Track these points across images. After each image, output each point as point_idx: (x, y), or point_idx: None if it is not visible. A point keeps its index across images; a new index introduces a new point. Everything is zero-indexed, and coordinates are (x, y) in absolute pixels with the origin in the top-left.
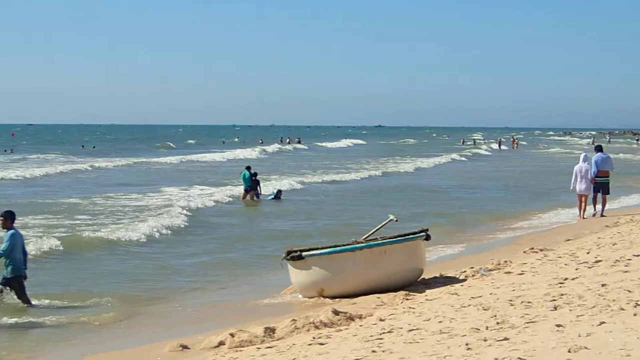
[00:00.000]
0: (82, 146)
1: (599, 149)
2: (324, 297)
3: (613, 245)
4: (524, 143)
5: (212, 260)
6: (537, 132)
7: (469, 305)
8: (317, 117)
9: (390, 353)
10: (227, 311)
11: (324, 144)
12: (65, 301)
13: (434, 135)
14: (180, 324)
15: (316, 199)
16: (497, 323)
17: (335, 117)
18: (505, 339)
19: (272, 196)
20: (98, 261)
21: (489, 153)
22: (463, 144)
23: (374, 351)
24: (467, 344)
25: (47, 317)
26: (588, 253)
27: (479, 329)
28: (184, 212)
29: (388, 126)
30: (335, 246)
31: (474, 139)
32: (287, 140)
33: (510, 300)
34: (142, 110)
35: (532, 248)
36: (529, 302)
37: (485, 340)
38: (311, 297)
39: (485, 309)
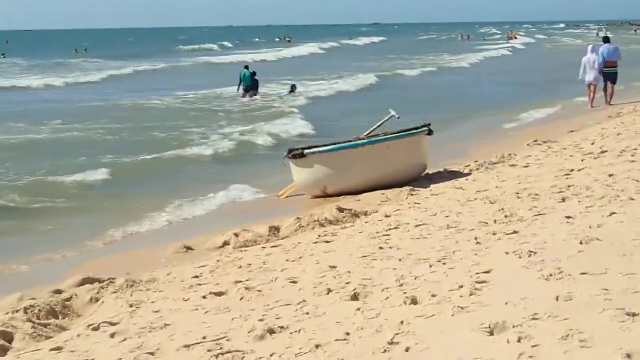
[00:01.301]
0: (76, 50)
1: (606, 40)
2: (328, 195)
3: (618, 135)
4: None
5: (211, 160)
6: (527, 25)
7: (475, 199)
8: (301, 16)
9: (397, 249)
10: (229, 212)
11: (350, 41)
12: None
13: (445, 33)
14: (182, 227)
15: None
16: (506, 216)
17: (323, 16)
18: (515, 232)
19: (288, 92)
20: None
21: (524, 47)
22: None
23: (381, 248)
24: (476, 239)
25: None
26: (593, 144)
27: (487, 223)
28: None
29: (385, 23)
30: (337, 143)
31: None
32: (288, 39)
33: (517, 193)
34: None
35: (536, 140)
36: (536, 195)
37: (494, 234)
38: (314, 196)
39: (492, 203)
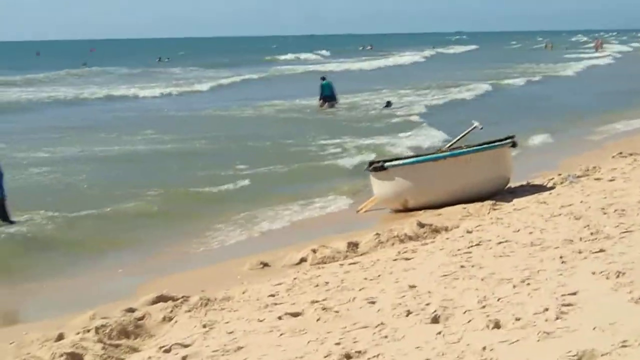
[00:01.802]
0: (159, 59)
1: None
2: (408, 208)
3: None
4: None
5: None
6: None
7: (559, 214)
8: (380, 25)
9: (480, 268)
10: (307, 226)
11: (444, 50)
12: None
13: (528, 41)
14: (259, 240)
15: None
16: (591, 234)
17: (402, 24)
18: (601, 250)
19: (383, 106)
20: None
21: (621, 55)
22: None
23: (462, 266)
24: (561, 257)
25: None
26: None
27: (572, 240)
28: None
29: (468, 31)
30: (418, 156)
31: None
32: (369, 47)
33: (603, 209)
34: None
35: (621, 153)
36: (623, 210)
37: (580, 253)
38: (395, 209)
39: (577, 219)
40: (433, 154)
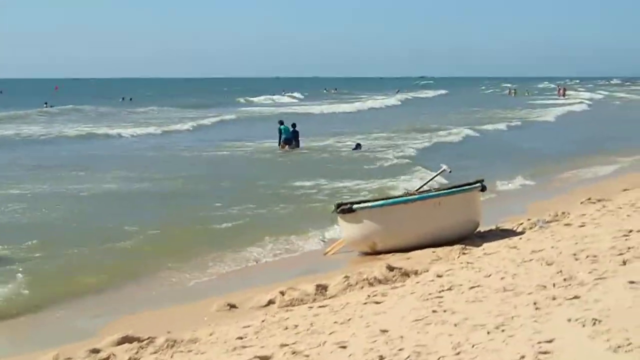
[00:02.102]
0: (122, 98)
1: None
2: (377, 251)
3: None
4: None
5: (261, 212)
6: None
7: (531, 260)
8: (345, 69)
9: (452, 313)
10: (276, 267)
11: (416, 94)
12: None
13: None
14: (226, 281)
15: None
16: (565, 279)
17: (365, 69)
18: (576, 297)
19: (352, 148)
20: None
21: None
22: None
23: (434, 311)
24: (534, 303)
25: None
26: None
27: (545, 286)
28: None
29: (430, 76)
30: (387, 198)
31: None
32: (333, 90)
33: (574, 254)
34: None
35: (589, 198)
36: (595, 256)
37: (554, 299)
38: (363, 252)
39: (548, 264)
40: (402, 196)
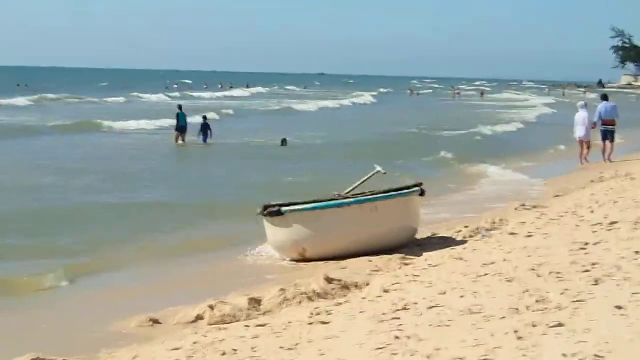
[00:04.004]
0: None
1: (604, 98)
2: (306, 259)
3: (615, 203)
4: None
5: (165, 211)
6: (477, 82)
7: (485, 274)
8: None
9: (419, 340)
10: (197, 277)
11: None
12: None
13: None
14: (145, 293)
15: None
16: (537, 301)
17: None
18: (560, 324)
19: (279, 145)
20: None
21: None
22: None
23: (397, 337)
24: (515, 332)
25: None
26: (592, 212)
27: (517, 309)
28: None
29: (330, 74)
30: (319, 201)
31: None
32: (229, 85)
33: (534, 270)
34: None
35: (523, 205)
36: (558, 273)
37: (534, 326)
38: (291, 259)
39: (508, 281)
40: (334, 199)
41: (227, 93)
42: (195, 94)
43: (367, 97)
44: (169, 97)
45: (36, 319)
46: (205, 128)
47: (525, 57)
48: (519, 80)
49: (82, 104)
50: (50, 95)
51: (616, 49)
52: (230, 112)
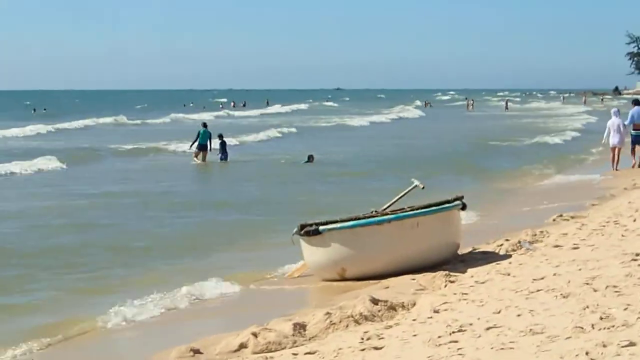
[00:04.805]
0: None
1: (636, 102)
2: (345, 278)
3: None
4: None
5: (194, 232)
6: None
7: (538, 290)
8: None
9: None
10: (230, 299)
11: (371, 118)
12: None
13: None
14: (181, 322)
15: None
16: (601, 318)
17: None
18: (631, 343)
19: (304, 161)
20: None
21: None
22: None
23: None
24: (587, 353)
25: None
26: (635, 221)
27: (582, 328)
28: None
29: (347, 89)
30: (357, 218)
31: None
32: (242, 103)
33: (588, 284)
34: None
35: (561, 215)
36: (615, 287)
37: (604, 347)
38: (328, 279)
39: (564, 296)
40: (373, 216)
41: (266, 110)
42: (236, 113)
43: (413, 111)
44: (214, 116)
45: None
46: (222, 146)
47: (541, 68)
48: (537, 89)
49: (132, 126)
50: (106, 119)
51: (631, 55)
52: (294, 129)
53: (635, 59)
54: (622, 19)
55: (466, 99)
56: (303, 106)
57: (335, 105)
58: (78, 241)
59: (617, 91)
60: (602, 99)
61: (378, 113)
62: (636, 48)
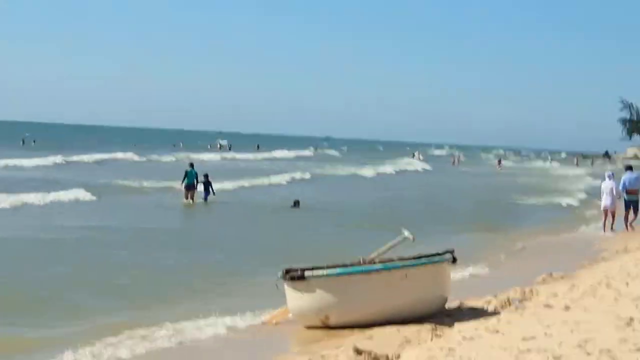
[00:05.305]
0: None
1: (628, 168)
2: (328, 326)
3: None
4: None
5: (167, 275)
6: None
7: (528, 350)
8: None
9: None
10: (210, 343)
11: (382, 169)
12: None
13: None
14: None
15: None
16: None
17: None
18: None
19: (291, 206)
20: None
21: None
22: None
23: None
24: None
25: None
26: (627, 285)
27: None
28: None
29: (335, 138)
30: (344, 266)
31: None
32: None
33: (580, 346)
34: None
35: (551, 274)
36: (609, 351)
37: None
38: (309, 326)
39: (556, 358)
40: (360, 264)
41: (267, 154)
42: (238, 155)
43: (417, 164)
44: (221, 157)
45: None
46: (207, 186)
47: (522, 126)
48: (525, 148)
49: (141, 162)
50: (119, 154)
51: (624, 121)
52: (308, 176)
53: (627, 125)
54: (613, 82)
55: (452, 154)
56: (307, 153)
57: (337, 154)
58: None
59: (607, 155)
60: (592, 162)
61: (382, 164)
62: (629, 114)
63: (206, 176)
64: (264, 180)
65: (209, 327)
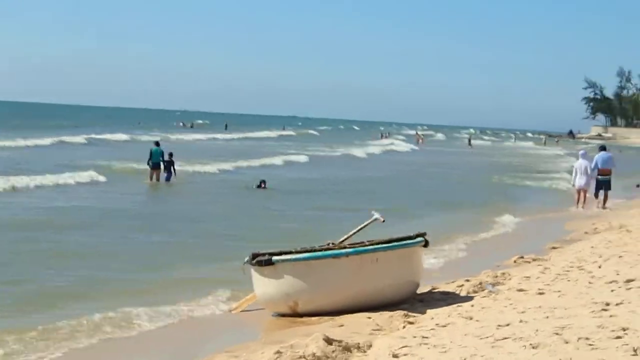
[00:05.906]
0: None
1: (602, 148)
2: (297, 313)
3: (619, 257)
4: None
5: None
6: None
7: (504, 338)
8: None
9: None
10: (167, 330)
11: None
12: None
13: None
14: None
15: None
16: None
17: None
18: None
19: (255, 186)
20: None
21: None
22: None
23: None
24: None
25: None
26: (600, 267)
27: None
28: None
29: (301, 117)
30: (313, 250)
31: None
32: (189, 125)
33: (558, 334)
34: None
35: (522, 257)
36: (587, 339)
37: None
38: (278, 313)
39: (533, 347)
40: (329, 249)
41: (244, 134)
42: (215, 135)
43: (403, 145)
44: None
45: None
46: (169, 166)
47: (491, 107)
48: (489, 128)
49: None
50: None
51: (588, 99)
52: (305, 159)
53: (592, 103)
54: (577, 62)
55: (416, 133)
56: (291, 132)
57: (317, 133)
58: None
59: (571, 134)
60: (557, 141)
61: (371, 144)
62: (593, 93)
63: (170, 155)
64: (262, 161)
65: (168, 318)
